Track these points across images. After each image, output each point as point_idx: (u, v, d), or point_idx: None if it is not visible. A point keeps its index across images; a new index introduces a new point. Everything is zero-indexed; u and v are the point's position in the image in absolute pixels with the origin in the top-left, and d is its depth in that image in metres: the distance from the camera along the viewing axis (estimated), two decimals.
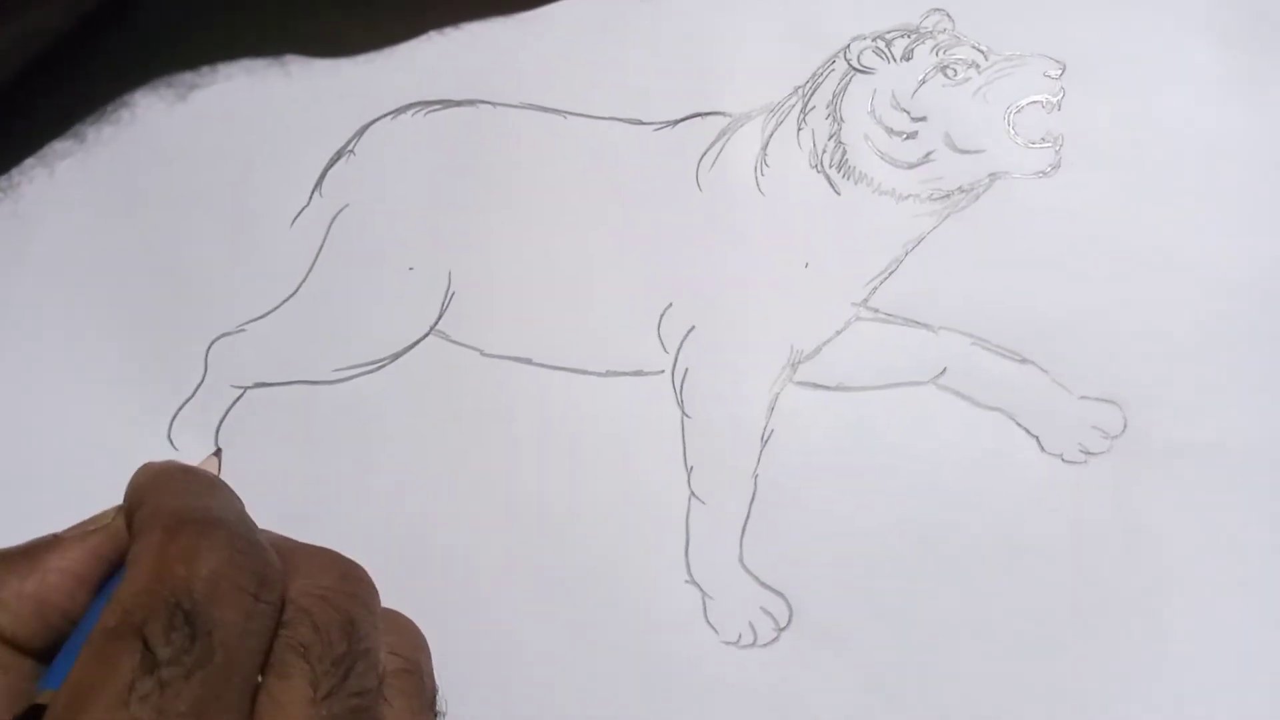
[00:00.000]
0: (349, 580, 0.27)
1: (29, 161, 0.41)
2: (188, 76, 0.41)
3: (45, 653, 0.25)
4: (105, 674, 0.22)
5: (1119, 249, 0.38)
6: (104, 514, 0.28)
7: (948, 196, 0.38)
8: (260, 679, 0.24)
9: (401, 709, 0.27)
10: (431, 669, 0.29)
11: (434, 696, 0.29)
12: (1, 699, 0.24)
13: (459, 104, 0.40)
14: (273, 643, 0.25)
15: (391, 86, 0.41)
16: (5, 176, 0.41)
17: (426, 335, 0.38)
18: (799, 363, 0.37)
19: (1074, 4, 0.40)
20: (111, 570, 0.27)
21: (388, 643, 0.28)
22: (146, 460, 0.28)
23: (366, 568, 0.27)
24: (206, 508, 0.26)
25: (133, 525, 0.26)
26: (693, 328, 0.37)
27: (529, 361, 0.38)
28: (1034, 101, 0.39)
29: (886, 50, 0.39)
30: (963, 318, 0.37)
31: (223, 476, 0.30)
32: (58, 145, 0.41)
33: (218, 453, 0.33)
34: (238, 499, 0.28)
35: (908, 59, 0.39)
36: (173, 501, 0.26)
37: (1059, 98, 0.39)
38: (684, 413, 0.37)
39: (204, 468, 0.30)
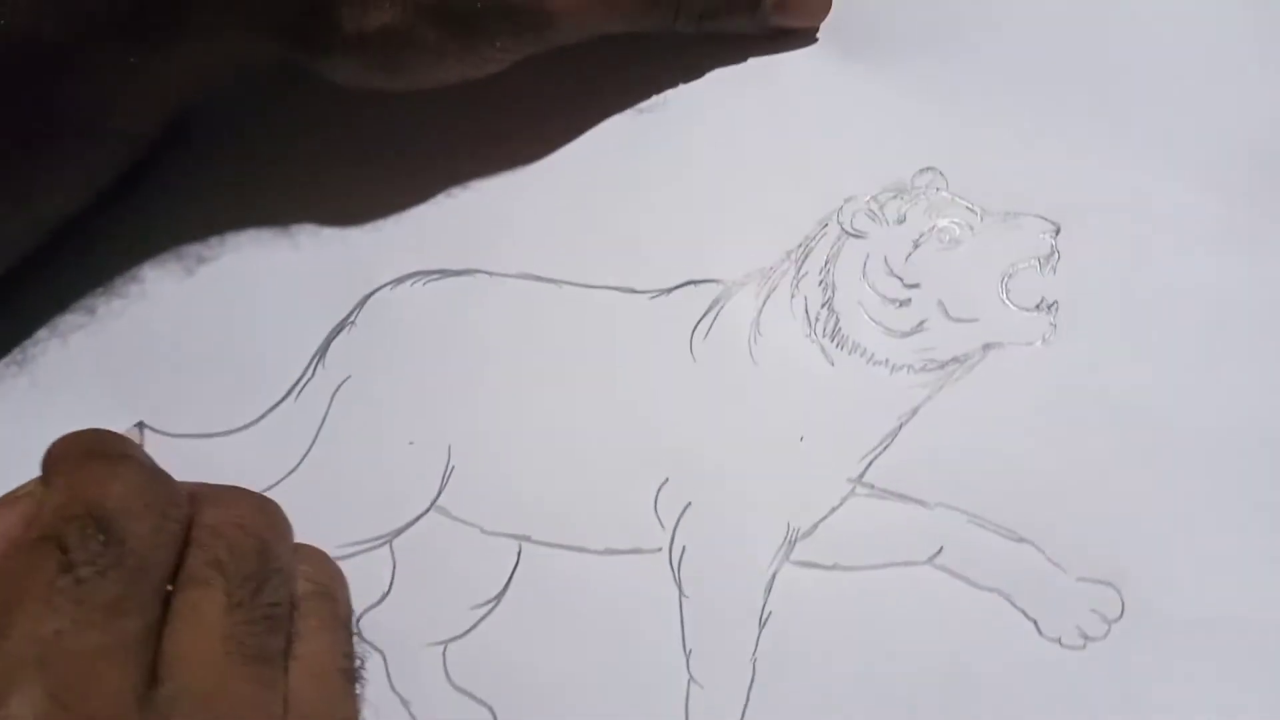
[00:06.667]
0: (263, 511, 0.29)
1: (42, 333, 0.40)
2: (195, 249, 0.40)
3: None
4: (27, 576, 0.24)
5: (1116, 419, 0.35)
6: (26, 485, 0.29)
7: (942, 367, 0.36)
8: (174, 590, 0.26)
9: (315, 625, 0.29)
10: (348, 596, 0.32)
11: (349, 618, 0.31)
12: None
13: (457, 274, 0.39)
14: (185, 560, 0.27)
15: (397, 255, 0.39)
16: (19, 349, 0.40)
17: (427, 511, 0.37)
18: (796, 541, 0.35)
19: (1068, 160, 0.38)
20: None
21: (303, 571, 0.30)
22: None
23: None
24: (114, 445, 0.28)
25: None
26: (689, 504, 0.36)
27: (528, 539, 0.36)
28: (1028, 265, 0.37)
29: (879, 213, 0.38)
30: (958, 493, 0.35)
31: None
32: (69, 318, 0.40)
33: (140, 425, 0.33)
34: (145, 452, 0.29)
35: (901, 222, 0.37)
36: (83, 444, 0.28)
37: (1054, 260, 0.37)
38: (682, 592, 0.35)
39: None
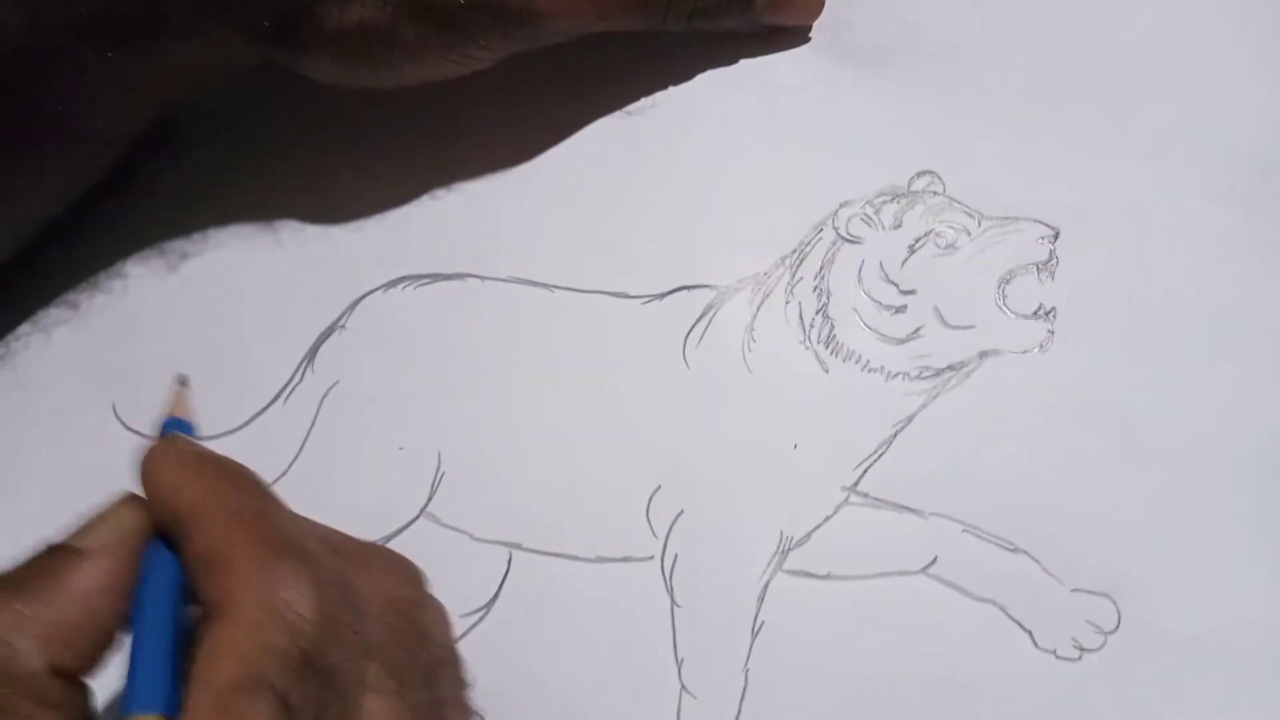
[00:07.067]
0: (414, 585, 0.27)
1: (24, 327, 0.39)
2: (179, 245, 0.39)
3: (93, 668, 0.24)
4: None
5: (1114, 427, 0.35)
6: (116, 512, 0.26)
7: (938, 374, 0.35)
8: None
9: (455, 696, 0.27)
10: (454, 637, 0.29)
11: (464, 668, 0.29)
12: None
13: (448, 277, 0.38)
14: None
15: (383, 256, 0.38)
16: (2, 343, 0.39)
17: (416, 518, 0.36)
18: (789, 550, 0.35)
19: (1068, 163, 0.37)
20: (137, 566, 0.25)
21: (434, 633, 0.27)
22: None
23: None
24: (289, 533, 0.24)
25: (181, 527, 0.24)
26: (681, 511, 0.35)
27: (518, 546, 0.35)
28: (1026, 270, 0.36)
29: (875, 218, 0.37)
30: (953, 502, 0.35)
31: None
32: (53, 312, 0.39)
33: (184, 381, 0.30)
34: (274, 492, 0.26)
35: (897, 227, 0.37)
36: (243, 520, 0.24)
37: (1053, 265, 0.36)
38: (674, 601, 0.35)
39: (180, 406, 0.29)
